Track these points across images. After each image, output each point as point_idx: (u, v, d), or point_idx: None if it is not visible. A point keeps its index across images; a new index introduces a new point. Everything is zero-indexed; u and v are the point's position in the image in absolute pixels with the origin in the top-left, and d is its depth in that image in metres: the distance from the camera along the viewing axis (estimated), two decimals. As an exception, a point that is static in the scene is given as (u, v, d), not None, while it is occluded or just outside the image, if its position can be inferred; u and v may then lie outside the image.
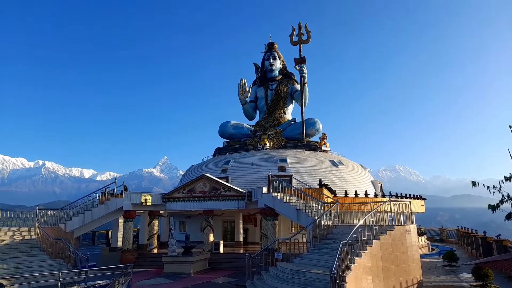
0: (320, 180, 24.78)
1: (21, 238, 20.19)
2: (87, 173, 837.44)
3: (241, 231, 28.06)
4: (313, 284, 12.14)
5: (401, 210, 15.95)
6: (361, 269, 12.87)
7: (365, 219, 14.47)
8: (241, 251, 23.90)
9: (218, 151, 37.43)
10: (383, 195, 30.93)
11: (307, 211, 18.48)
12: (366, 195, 26.95)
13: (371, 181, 33.10)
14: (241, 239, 27.76)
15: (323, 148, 34.96)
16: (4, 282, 10.35)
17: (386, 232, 14.32)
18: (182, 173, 42.30)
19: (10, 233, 20.29)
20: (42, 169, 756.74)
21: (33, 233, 20.73)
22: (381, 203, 16.44)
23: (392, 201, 15.87)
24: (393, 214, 15.66)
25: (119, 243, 25.46)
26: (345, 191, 26.57)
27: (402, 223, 15.59)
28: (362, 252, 13.21)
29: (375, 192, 30.52)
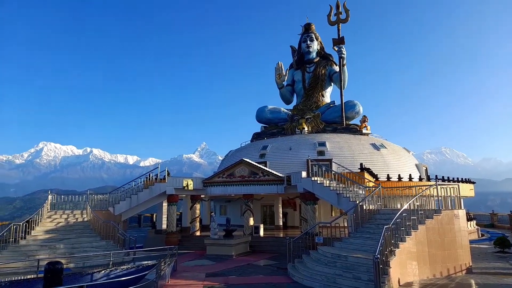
0: (361, 164, 24.20)
1: (74, 220, 21.59)
2: (131, 159, 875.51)
3: (281, 215, 28.24)
4: (355, 268, 12.00)
5: (448, 194, 15.25)
6: (405, 254, 12.54)
7: (409, 204, 14.02)
8: (281, 235, 24.09)
9: (256, 136, 37.57)
10: (429, 179, 29.71)
11: (348, 196, 18.17)
12: (410, 179, 26.00)
13: (415, 165, 31.87)
14: (281, 223, 27.96)
15: (364, 131, 33.99)
16: (63, 261, 11.15)
17: (433, 217, 13.80)
18: (221, 158, 43.03)
19: (65, 216, 21.77)
20: (90, 156, 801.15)
21: (85, 216, 22.09)
22: (426, 187, 15.80)
23: (439, 184, 15.16)
24: (439, 198, 15.00)
25: (164, 226, 26.54)
26: (388, 175, 25.78)
27: (450, 208, 14.93)
28: (406, 237, 12.86)
29: (419, 176, 29.39)
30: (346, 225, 18.01)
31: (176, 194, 24.07)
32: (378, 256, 10.32)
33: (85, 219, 21.82)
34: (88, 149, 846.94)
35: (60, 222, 20.98)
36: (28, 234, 19.14)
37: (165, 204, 25.84)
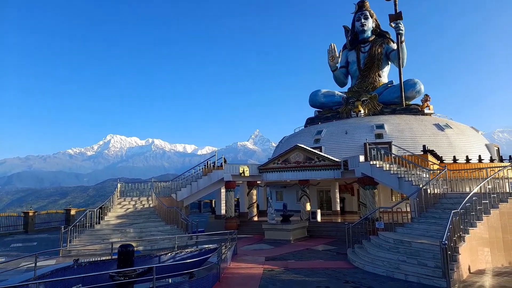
0: (424, 146, 22.88)
1: (141, 206, 23.11)
2: (189, 148, 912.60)
3: (338, 200, 27.80)
4: (420, 254, 11.48)
5: (526, 176, 13.92)
6: (476, 240, 11.75)
7: (480, 186, 13.03)
8: (339, 220, 23.75)
9: (310, 121, 37.05)
10: (501, 160, 27.36)
11: (410, 179, 17.32)
12: (480, 160, 24.11)
13: (485, 145, 29.42)
14: (338, 208, 27.56)
15: (426, 111, 31.97)
16: (133, 244, 12.03)
17: (507, 201, 12.72)
18: (274, 145, 43.17)
19: (133, 202, 23.38)
20: (152, 146, 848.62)
21: (150, 202, 23.54)
22: (499, 169, 14.54)
23: (514, 166, 13.88)
24: (515, 180, 13.76)
25: (223, 211, 27.42)
26: (454, 156, 24.14)
27: (528, 191, 13.63)
28: (477, 222, 12.03)
29: (490, 157, 27.11)
30: (408, 210, 17.24)
31: (233, 180, 24.68)
32: (446, 242, 9.76)
33: (151, 205, 23.25)
34: (150, 140, 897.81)
35: (129, 208, 22.59)
36: (101, 219, 20.87)
37: (223, 191, 26.64)
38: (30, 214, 26.81)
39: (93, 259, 15.11)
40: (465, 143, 27.73)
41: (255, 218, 25.97)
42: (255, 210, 26.26)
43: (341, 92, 37.59)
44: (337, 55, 37.97)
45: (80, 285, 9.74)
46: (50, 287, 9.45)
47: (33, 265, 11.29)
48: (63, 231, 17.78)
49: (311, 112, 38.88)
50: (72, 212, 29.43)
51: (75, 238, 18.56)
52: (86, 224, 19.82)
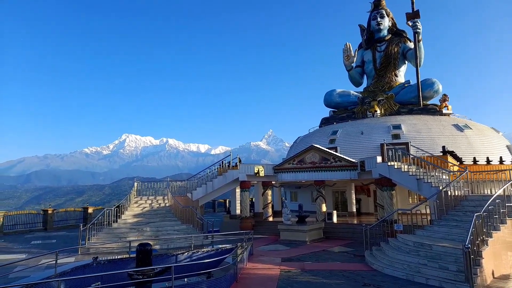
0: (443, 147, 22.41)
1: (158, 205, 23.30)
2: (203, 148, 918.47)
3: (354, 201, 27.49)
4: (441, 258, 11.22)
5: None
6: (500, 244, 11.43)
7: (504, 189, 12.68)
8: (355, 222, 23.47)
9: (325, 121, 36.74)
10: (524, 161, 26.55)
11: (429, 181, 16.97)
12: (501, 161, 23.47)
13: (507, 146, 28.63)
14: (354, 210, 27.25)
15: (444, 111, 31.32)
16: (151, 243, 12.12)
17: (533, 204, 12.33)
18: (288, 145, 43.09)
19: (149, 201, 23.60)
20: (166, 145, 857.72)
21: (166, 201, 23.71)
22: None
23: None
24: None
25: (238, 211, 27.43)
26: (474, 158, 23.57)
27: (554, 194, 13.18)
28: (501, 225, 11.71)
29: (512, 158, 26.38)
30: (427, 212, 16.91)
31: (248, 180, 24.66)
32: (469, 245, 9.51)
33: (167, 204, 23.42)
34: (164, 139, 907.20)
35: (145, 207, 22.81)
36: (119, 217, 21.12)
37: (237, 190, 26.66)
38: (49, 212, 27.34)
39: (111, 257, 15.30)
40: (485, 144, 27.05)
41: (270, 219, 25.89)
42: (270, 210, 26.18)
43: (356, 92, 37.16)
44: (353, 55, 37.54)
45: (99, 283, 9.84)
46: (71, 285, 9.60)
47: (53, 262, 11.50)
48: (81, 229, 18.06)
49: (326, 112, 38.58)
50: (90, 210, 29.90)
51: (93, 236, 18.84)
52: (103, 222, 20.08)
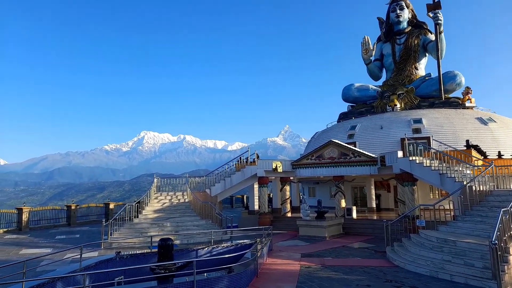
0: (467, 141, 21.82)
1: (177, 201, 23.58)
2: (220, 144, 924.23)
3: (373, 197, 27.14)
4: (466, 254, 10.94)
5: None
6: (528, 240, 11.04)
7: (532, 184, 12.23)
8: (375, 217, 23.18)
9: (343, 116, 36.32)
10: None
11: (453, 176, 16.55)
12: (528, 156, 22.70)
13: (533, 139, 27.65)
14: (374, 205, 26.92)
15: (467, 104, 30.46)
16: (172, 237, 12.27)
17: None
18: (305, 141, 42.90)
19: (169, 197, 23.90)
20: (184, 142, 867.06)
21: (185, 197, 23.97)
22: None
23: None
24: None
25: (256, 207, 27.49)
26: (499, 152, 22.86)
27: None
28: (529, 221, 11.29)
29: (539, 152, 25.44)
30: (451, 207, 16.51)
31: (266, 176, 24.64)
32: (496, 241, 9.23)
33: (186, 200, 23.67)
34: (182, 136, 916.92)
35: (165, 203, 23.12)
36: (140, 213, 21.49)
37: (256, 186, 26.69)
38: (72, 207, 28.06)
39: (133, 252, 15.58)
40: (510, 137, 26.20)
41: (289, 214, 25.83)
42: (288, 206, 26.12)
43: (375, 86, 36.52)
44: (371, 48, 36.86)
45: (122, 276, 10.05)
46: (95, 278, 9.83)
47: (77, 256, 11.77)
48: (104, 224, 18.46)
49: (344, 107, 38.11)
50: (111, 206, 30.54)
51: (115, 231, 19.22)
52: (125, 217, 20.47)
